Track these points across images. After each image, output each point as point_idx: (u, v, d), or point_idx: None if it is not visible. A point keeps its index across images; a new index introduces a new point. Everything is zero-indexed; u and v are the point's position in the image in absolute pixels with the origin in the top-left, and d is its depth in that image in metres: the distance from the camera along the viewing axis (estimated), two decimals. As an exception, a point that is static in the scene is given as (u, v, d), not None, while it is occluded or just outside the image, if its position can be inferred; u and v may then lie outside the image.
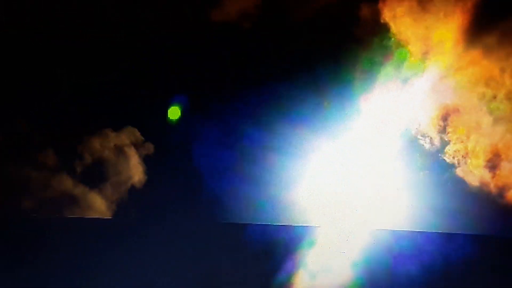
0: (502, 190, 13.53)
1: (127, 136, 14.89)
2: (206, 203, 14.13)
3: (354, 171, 14.15)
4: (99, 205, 14.52)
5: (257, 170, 14.04)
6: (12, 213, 13.98)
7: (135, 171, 14.81)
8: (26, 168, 14.42)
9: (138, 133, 14.89)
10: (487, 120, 13.62)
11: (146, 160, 14.89)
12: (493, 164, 13.66)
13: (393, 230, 13.09)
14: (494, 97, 13.64)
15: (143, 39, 14.84)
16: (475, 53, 13.72)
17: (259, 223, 13.33)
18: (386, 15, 14.19)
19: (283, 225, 13.32)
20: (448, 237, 12.80)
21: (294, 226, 13.27)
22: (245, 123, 14.24)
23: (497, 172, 13.62)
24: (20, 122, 14.49)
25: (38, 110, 14.55)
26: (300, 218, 13.77)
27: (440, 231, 13.04)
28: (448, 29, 13.95)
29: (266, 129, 14.19)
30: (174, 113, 14.44)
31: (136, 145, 14.88)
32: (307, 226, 13.32)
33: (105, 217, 14.33)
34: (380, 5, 14.10)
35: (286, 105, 14.27)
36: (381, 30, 14.28)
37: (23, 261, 12.90)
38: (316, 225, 13.38)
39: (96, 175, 14.70)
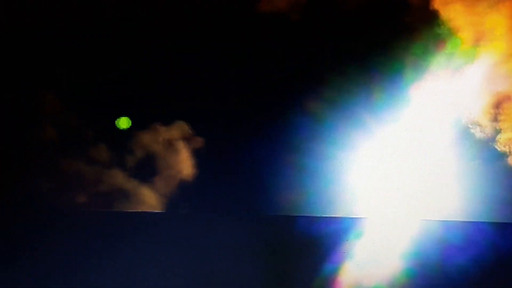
0: (556, 179, 13.22)
1: (176, 130, 14.99)
2: (255, 196, 14.13)
3: (403, 161, 13.98)
4: (149, 199, 14.65)
5: (307, 161, 13.98)
6: (66, 208, 14.21)
7: (185, 165, 14.89)
8: (78, 163, 14.64)
9: (187, 127, 14.96)
10: (541, 107, 13.33)
11: (196, 154, 14.96)
12: (547, 152, 13.36)
13: (443, 221, 12.85)
14: (548, 83, 13.34)
15: (193, 30, 14.90)
16: (528, 39, 13.44)
17: (308, 215, 13.26)
18: (436, 2, 13.97)
19: (331, 216, 13.21)
20: (500, 228, 12.51)
21: (342, 218, 13.15)
22: (294, 113, 14.18)
23: (551, 160, 13.32)
24: (72, 117, 14.71)
25: (89, 105, 14.75)
26: (348, 209, 13.68)
27: (492, 221, 12.76)
28: (500, 15, 13.65)
29: (315, 119, 14.11)
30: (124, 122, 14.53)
31: (186, 139, 14.96)
32: (355, 217, 13.19)
33: (156, 211, 14.44)
34: (431, -9, 13.91)
35: (336, 95, 14.16)
36: (431, 18, 14.06)
37: (77, 255, 13.07)
38: (365, 217, 13.24)
39: (146, 169, 14.85)
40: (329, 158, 14.03)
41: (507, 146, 13.62)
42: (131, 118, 14.79)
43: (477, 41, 13.84)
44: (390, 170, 14.00)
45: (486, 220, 12.83)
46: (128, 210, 14.39)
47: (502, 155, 13.65)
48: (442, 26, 13.98)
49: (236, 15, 14.91)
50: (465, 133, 13.87)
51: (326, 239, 12.73)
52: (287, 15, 14.66)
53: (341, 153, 14.05)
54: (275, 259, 12.84)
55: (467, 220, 12.95)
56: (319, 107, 14.15)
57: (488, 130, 13.77)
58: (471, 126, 13.85)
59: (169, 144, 14.98)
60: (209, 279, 12.80)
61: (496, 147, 13.68)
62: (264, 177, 14.24)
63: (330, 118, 14.11)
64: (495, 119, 13.71)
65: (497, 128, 13.71)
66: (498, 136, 13.68)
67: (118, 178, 14.70)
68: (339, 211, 13.63)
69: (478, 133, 13.81)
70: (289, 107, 14.32)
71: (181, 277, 12.80)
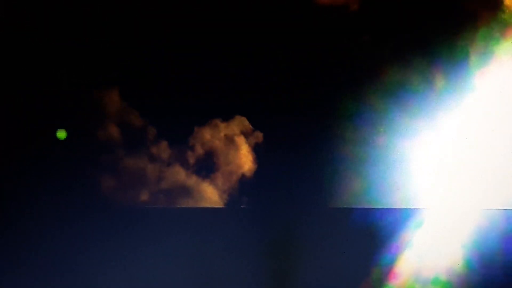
0: None
1: (236, 126, 15.01)
2: (316, 189, 14.03)
3: (465, 150, 13.66)
4: (211, 195, 14.71)
5: (368, 153, 13.81)
6: (129, 205, 14.40)
7: (245, 160, 14.89)
8: (141, 161, 14.83)
9: (247, 122, 14.97)
10: None
11: (256, 149, 14.94)
12: None
13: (504, 210, 12.49)
14: None
15: (253, 25, 14.90)
16: None
17: (368, 207, 13.10)
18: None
19: (391, 208, 13.01)
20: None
21: (402, 209, 12.93)
22: (355, 105, 14.03)
23: None
24: (134, 116, 14.91)
25: (150, 103, 14.92)
26: (408, 200, 13.45)
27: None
28: None
29: (376, 110, 13.93)
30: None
31: (246, 134, 14.97)
32: (415, 208, 12.95)
33: (217, 207, 14.49)
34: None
35: (398, 85, 13.96)
36: (495, 3, 13.72)
37: (141, 252, 13.23)
38: (425, 207, 12.99)
39: (207, 165, 14.91)
40: (390, 149, 13.82)
41: None
42: (191, 114, 14.87)
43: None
44: (451, 160, 13.70)
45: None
46: (190, 206, 14.47)
47: None
48: (505, 11, 13.59)
49: (295, 6, 14.85)
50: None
51: (386, 230, 12.56)
52: (346, 6, 14.52)
53: (403, 144, 13.82)
54: (336, 251, 12.74)
55: (529, 209, 12.59)
56: (381, 97, 13.96)
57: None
58: (535, 114, 13.46)
59: (229, 140, 15.01)
60: (271, 272, 12.79)
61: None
62: (324, 170, 14.12)
63: (392, 108, 13.91)
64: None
65: None
66: None
67: (180, 175, 14.82)
68: (400, 202, 13.41)
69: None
70: (350, 99, 14.16)
71: (245, 271, 12.82)
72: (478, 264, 12.07)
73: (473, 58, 13.72)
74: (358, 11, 14.49)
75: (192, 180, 14.79)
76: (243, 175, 14.81)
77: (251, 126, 14.93)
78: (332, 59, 14.64)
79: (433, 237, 12.42)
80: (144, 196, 14.67)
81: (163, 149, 14.88)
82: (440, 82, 13.81)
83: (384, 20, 14.45)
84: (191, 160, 14.88)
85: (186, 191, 14.71)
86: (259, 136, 14.94)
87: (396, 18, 14.38)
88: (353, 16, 14.51)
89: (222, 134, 15.02)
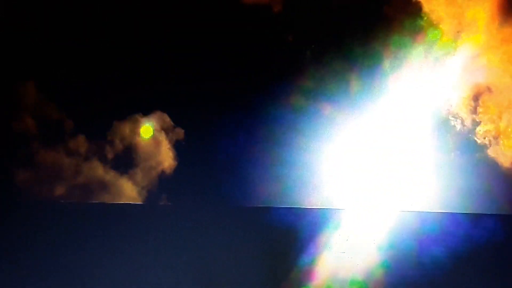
0: (534, 171, 13.23)
1: (156, 121, 14.90)
2: (235, 188, 14.08)
3: (382, 152, 13.96)
4: (129, 191, 14.58)
5: (286, 153, 13.94)
6: (44, 199, 14.14)
7: (165, 156, 14.82)
8: (58, 155, 14.56)
9: (168, 118, 14.89)
10: (519, 99, 13.33)
11: (176, 146, 14.89)
12: (525, 144, 13.36)
13: (420, 212, 12.86)
14: (527, 76, 13.35)
15: (179, 22, 14.82)
16: (508, 32, 13.43)
17: (285, 207, 13.23)
18: (418, -7, 13.98)
19: (308, 208, 13.19)
20: (475, 219, 12.51)
21: (319, 209, 13.13)
22: (273, 105, 14.14)
23: (530, 152, 13.32)
24: (51, 109, 14.63)
25: (68, 96, 14.66)
26: (325, 200, 13.67)
27: (468, 213, 12.76)
28: (481, 7, 13.65)
29: (294, 111, 14.08)
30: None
31: (166, 130, 14.88)
32: (332, 209, 13.17)
33: (135, 203, 14.38)
34: (413, -17, 13.89)
35: (313, 86, 14.13)
36: (413, 9, 14.04)
37: (55, 247, 13.01)
38: (341, 208, 13.23)
39: (126, 161, 14.77)
40: (307, 150, 13.99)
41: (486, 138, 13.63)
42: (110, 108, 14.69)
43: (458, 32, 13.82)
44: (368, 162, 13.97)
45: (462, 212, 12.84)
46: (107, 202, 14.31)
47: (482, 147, 13.66)
48: (423, 18, 13.95)
49: (219, 6, 14.85)
50: (444, 124, 13.86)
51: (303, 230, 12.72)
52: (269, 6, 14.61)
53: (319, 145, 14.02)
54: (253, 251, 12.82)
55: (445, 211, 12.95)
56: (297, 98, 14.10)
57: (468, 122, 13.77)
58: (451, 118, 13.84)
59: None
60: (186, 270, 12.77)
61: (475, 139, 13.69)
62: (243, 169, 14.19)
63: (309, 110, 14.07)
64: (474, 111, 13.72)
65: (476, 120, 13.72)
66: (478, 128, 13.69)
67: (98, 169, 14.63)
68: (317, 203, 13.60)
69: (458, 125, 13.81)
70: (268, 99, 14.25)
71: (159, 268, 12.77)
72: (394, 264, 12.37)
73: (389, 62, 14.01)
74: (281, 12, 14.59)
75: (110, 175, 14.62)
76: (163, 172, 14.74)
77: (172, 123, 14.86)
78: (251, 59, 14.71)
79: (350, 237, 12.65)
80: (60, 191, 14.42)
81: (81, 143, 14.66)
82: (357, 84, 14.06)
83: (301, 22, 14.61)
84: (110, 155, 14.72)
85: (103, 186, 14.54)
86: (180, 132, 14.88)
87: (317, 20, 14.57)
88: (277, 17, 14.61)
89: (141, 129, 14.90)
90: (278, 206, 13.25)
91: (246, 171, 14.13)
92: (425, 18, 13.94)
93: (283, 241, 12.70)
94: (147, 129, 14.69)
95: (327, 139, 14.02)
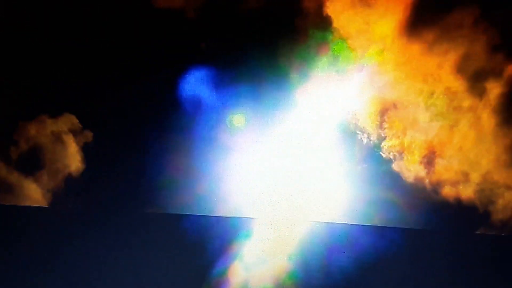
0: (436, 186, 13.74)
1: (64, 123, 14.67)
2: (143, 194, 14.04)
3: (291, 164, 14.19)
4: (34, 193, 14.29)
5: (194, 162, 14.00)
6: None
7: (73, 159, 14.60)
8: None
9: (76, 120, 14.67)
10: (423, 116, 13.79)
11: (85, 148, 14.70)
12: (428, 160, 13.85)
13: (328, 223, 13.20)
14: (432, 93, 13.80)
15: (89, 24, 14.65)
16: (414, 49, 13.86)
17: (195, 214, 13.31)
18: (329, 8, 14.23)
19: (219, 216, 13.31)
20: (381, 231, 12.98)
21: (230, 218, 13.27)
22: (181, 113, 14.19)
23: (432, 168, 13.81)
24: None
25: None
26: (236, 209, 13.79)
27: (375, 225, 13.20)
28: (388, 25, 14.06)
29: (204, 121, 14.17)
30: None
31: (74, 133, 14.67)
32: (242, 217, 13.34)
33: (41, 206, 14.11)
34: (324, -3, 14.18)
35: (220, 97, 14.24)
36: (322, 23, 14.31)
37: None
38: (252, 217, 13.40)
39: (31, 162, 14.47)
40: (219, 160, 14.10)
41: (390, 153, 14.05)
42: (16, 108, 14.36)
43: (365, 48, 14.17)
44: (278, 173, 14.17)
45: (370, 223, 13.26)
46: (10, 204, 13.99)
47: (387, 161, 14.07)
48: (332, 32, 14.23)
49: (130, 8, 14.77)
50: (352, 138, 14.21)
51: (213, 239, 12.82)
52: (183, 12, 14.62)
53: (229, 155, 14.14)
54: (159, 258, 12.84)
55: (352, 222, 13.33)
56: (206, 108, 14.20)
57: (374, 136, 14.14)
58: (358, 132, 14.20)
59: (56, 137, 14.65)
60: (88, 275, 12.68)
61: (380, 153, 14.08)
62: (151, 175, 14.17)
63: (216, 120, 14.19)
64: (380, 126, 14.10)
65: (382, 135, 14.11)
66: (383, 143, 14.08)
67: (1, 170, 14.27)
68: (226, 211, 13.71)
69: (364, 139, 14.17)
70: (178, 108, 14.29)
71: (59, 272, 12.62)
72: (303, 274, 12.64)
73: (297, 75, 14.23)
74: (195, 19, 14.63)
75: (14, 177, 14.28)
76: (69, 175, 14.51)
77: (80, 125, 14.65)
78: (162, 64, 14.70)
79: (260, 247, 12.84)
80: (-39, 191, 14.02)
81: (-16, 142, 14.30)
82: (265, 95, 14.23)
83: (211, 30, 14.70)
84: (14, 156, 14.38)
85: (7, 187, 14.19)
86: (88, 135, 14.70)
87: (230, 29, 14.69)
88: (190, 23, 14.65)
89: (48, 131, 14.62)
90: (185, 213, 13.32)
91: (154, 177, 14.11)
92: (335, 32, 14.21)
93: (192, 249, 12.79)
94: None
95: (236, 150, 14.16)
